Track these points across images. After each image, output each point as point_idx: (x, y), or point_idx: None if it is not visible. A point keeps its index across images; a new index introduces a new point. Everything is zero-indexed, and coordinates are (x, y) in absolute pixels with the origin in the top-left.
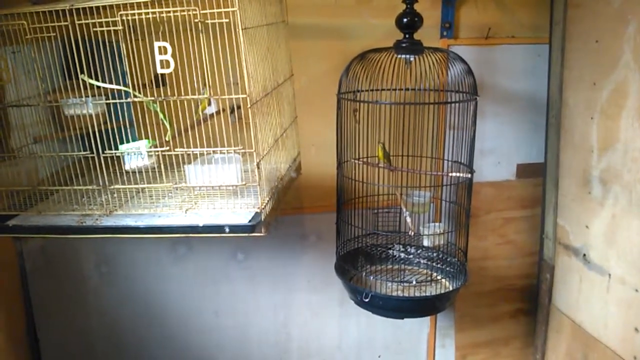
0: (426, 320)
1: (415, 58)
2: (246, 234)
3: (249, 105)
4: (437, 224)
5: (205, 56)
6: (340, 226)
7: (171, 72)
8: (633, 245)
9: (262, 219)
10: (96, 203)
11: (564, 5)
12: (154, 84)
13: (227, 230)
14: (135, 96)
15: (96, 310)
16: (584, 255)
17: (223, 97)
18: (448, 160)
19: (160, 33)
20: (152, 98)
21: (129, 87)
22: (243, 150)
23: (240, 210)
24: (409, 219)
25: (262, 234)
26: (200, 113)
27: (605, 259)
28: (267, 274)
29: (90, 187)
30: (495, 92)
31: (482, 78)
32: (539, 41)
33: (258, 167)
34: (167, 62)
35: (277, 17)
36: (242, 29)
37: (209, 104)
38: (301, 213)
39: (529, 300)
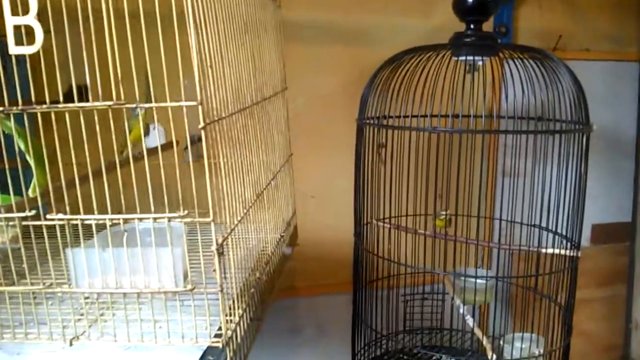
0: None
1: (483, 62)
2: None
3: (200, 125)
4: (532, 335)
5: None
6: (359, 320)
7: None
8: None
9: (228, 358)
10: None
11: None
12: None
13: None
14: None
15: None
16: None
17: (163, 104)
18: (526, 224)
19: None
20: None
21: None
22: (188, 219)
23: (182, 344)
24: (469, 319)
25: None
26: (129, 146)
27: None
28: None
29: None
30: None
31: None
32: (621, 57)
33: (220, 254)
34: (31, 29)
35: None
36: None
37: (147, 133)
38: (294, 296)
39: None
